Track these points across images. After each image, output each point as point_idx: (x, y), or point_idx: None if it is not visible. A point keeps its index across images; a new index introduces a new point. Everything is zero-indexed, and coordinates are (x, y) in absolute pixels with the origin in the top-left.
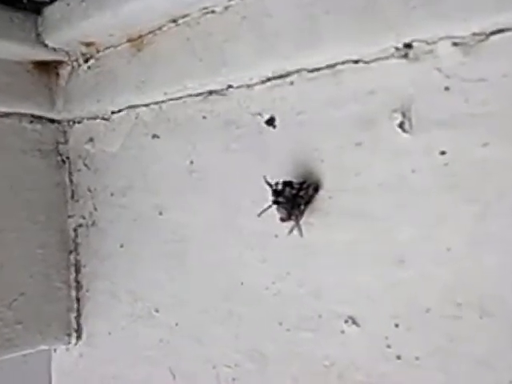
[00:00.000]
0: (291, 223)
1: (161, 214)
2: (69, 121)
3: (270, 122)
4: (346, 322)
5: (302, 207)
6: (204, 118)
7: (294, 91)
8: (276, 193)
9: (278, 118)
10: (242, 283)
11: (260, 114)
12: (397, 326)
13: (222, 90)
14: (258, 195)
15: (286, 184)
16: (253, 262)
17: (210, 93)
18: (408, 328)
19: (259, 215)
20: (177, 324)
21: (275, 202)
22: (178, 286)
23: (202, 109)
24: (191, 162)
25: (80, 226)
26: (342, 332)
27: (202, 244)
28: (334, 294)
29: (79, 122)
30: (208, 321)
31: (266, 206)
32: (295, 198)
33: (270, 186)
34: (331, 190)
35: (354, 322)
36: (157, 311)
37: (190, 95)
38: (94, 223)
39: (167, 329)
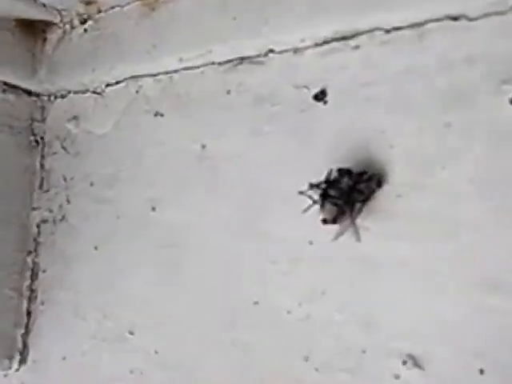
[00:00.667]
0: (336, 227)
1: (154, 210)
2: (50, 95)
3: (320, 96)
4: (404, 362)
5: (359, 205)
6: (228, 92)
7: (358, 57)
8: (328, 183)
9: (330, 91)
10: (255, 303)
11: (307, 87)
12: (482, 372)
13: (259, 56)
14: (291, 192)
15: (343, 172)
16: (274, 277)
17: (241, 60)
18: (498, 375)
19: (305, 211)
20: (156, 352)
21: (324, 196)
22: (164, 302)
23: (226, 81)
24: (203, 147)
25: (45, 221)
26: (397, 377)
27: (205, 251)
28: (389, 324)
29: (63, 97)
30: (200, 351)
31: (310, 201)
32: (352, 191)
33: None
34: (401, 186)
35: (416, 364)
36: (131, 333)
37: (213, 63)
38: (63, 218)
39: (143, 356)
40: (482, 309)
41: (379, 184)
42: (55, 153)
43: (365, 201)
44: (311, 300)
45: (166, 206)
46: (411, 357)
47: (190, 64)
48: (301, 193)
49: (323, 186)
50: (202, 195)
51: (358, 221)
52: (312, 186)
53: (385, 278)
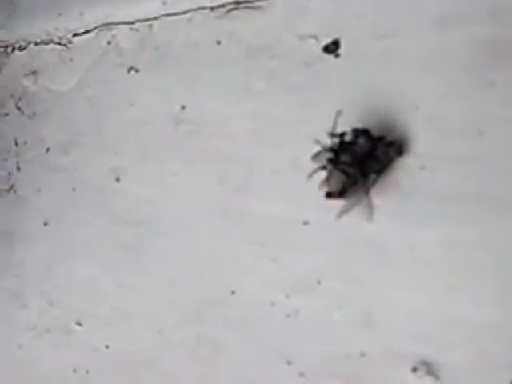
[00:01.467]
0: (342, 202)
1: (118, 181)
2: (7, 46)
3: (332, 47)
4: (414, 369)
5: (374, 176)
6: (218, 43)
7: (379, 2)
8: (341, 146)
9: (344, 42)
10: (232, 292)
11: (315, 37)
12: None
13: None
14: (287, 163)
15: (359, 133)
16: (258, 262)
17: (237, 4)
18: None
19: (310, 177)
20: (107, 346)
21: (333, 162)
22: (121, 290)
23: (217, 29)
24: (182, 108)
25: None
26: None
27: (175, 231)
28: (397, 323)
29: (21, 49)
30: (160, 349)
31: (318, 165)
32: (367, 158)
33: (333, 135)
34: (426, 157)
35: (429, 372)
36: (79, 324)
37: (203, 8)
38: (11, 189)
39: (90, 352)
40: None
41: (400, 152)
42: (7, 114)
43: (381, 171)
44: (302, 292)
45: (132, 176)
46: (423, 363)
47: (174, 9)
48: (318, 142)
49: (331, 150)
50: (176, 163)
51: (371, 196)
52: (333, 136)
53: (395, 269)
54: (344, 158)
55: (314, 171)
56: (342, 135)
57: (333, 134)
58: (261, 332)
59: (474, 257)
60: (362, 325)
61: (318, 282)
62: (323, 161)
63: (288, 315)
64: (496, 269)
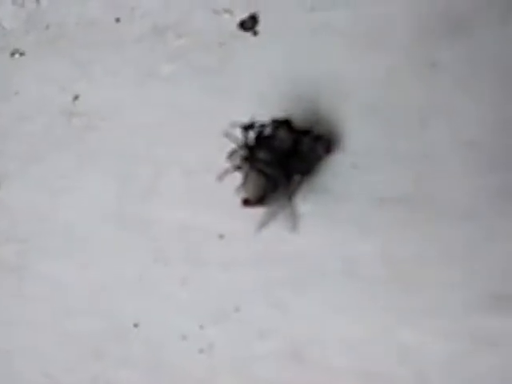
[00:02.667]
0: (262, 210)
1: None
2: None
3: (249, 24)
4: None
5: (298, 178)
6: (117, 20)
7: None
8: (258, 141)
9: (264, 17)
10: (134, 325)
11: (230, 12)
12: None
13: None
14: (197, 161)
15: (279, 124)
16: (165, 285)
17: None
18: None
19: (220, 179)
20: None
21: (249, 160)
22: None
23: (116, 4)
24: (75, 98)
25: None
26: None
27: (68, 247)
28: (332, 357)
29: None
30: None
31: (231, 164)
32: (290, 155)
33: (246, 128)
34: (359, 154)
35: None
36: None
37: None
38: None
39: None
40: (473, 337)
41: (328, 149)
42: None
43: (307, 172)
44: (218, 321)
45: (14, 182)
46: None
47: None
48: (227, 135)
49: (249, 141)
50: (67, 167)
51: (296, 202)
52: (246, 129)
53: (327, 289)
54: (262, 155)
55: (226, 172)
56: (259, 127)
57: (246, 128)
58: (170, 372)
59: (418, 271)
60: (289, 358)
61: (237, 309)
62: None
63: (201, 350)
64: (449, 285)
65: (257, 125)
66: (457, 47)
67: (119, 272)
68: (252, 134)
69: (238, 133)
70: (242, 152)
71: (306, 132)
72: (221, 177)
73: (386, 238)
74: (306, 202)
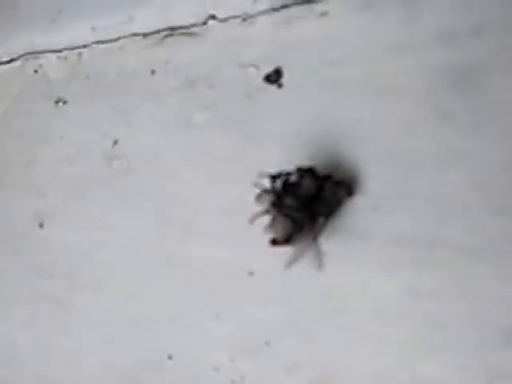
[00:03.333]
0: (289, 249)
1: (41, 226)
2: None
3: (274, 77)
4: None
5: (322, 220)
6: (152, 73)
7: (325, 27)
8: (284, 187)
9: (287, 71)
10: (169, 357)
11: (256, 66)
12: None
13: (195, 25)
14: (229, 205)
15: (304, 173)
16: (198, 320)
17: (172, 31)
18: None
19: (251, 222)
20: None
21: (277, 205)
22: (45, 352)
23: (151, 58)
24: (115, 143)
25: None
26: None
27: (108, 282)
28: None
29: None
30: None
31: (262, 207)
32: (314, 200)
33: (274, 177)
34: (379, 196)
35: None
36: None
37: (135, 34)
38: None
39: None
40: (488, 370)
41: (349, 192)
42: None
43: (330, 214)
44: (249, 353)
45: (58, 221)
46: None
47: (105, 35)
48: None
49: (277, 189)
50: (108, 207)
51: (319, 241)
52: (274, 178)
53: (353, 323)
54: (289, 201)
55: (256, 216)
56: (285, 175)
57: (274, 177)
58: None
59: (436, 307)
60: None
61: (267, 343)
62: (267, 203)
63: (233, 381)
64: (466, 320)
65: (283, 173)
66: (466, 97)
67: (157, 307)
68: (279, 182)
69: (266, 182)
70: (271, 197)
71: (327, 177)
72: (251, 220)
73: (405, 276)
74: (329, 242)
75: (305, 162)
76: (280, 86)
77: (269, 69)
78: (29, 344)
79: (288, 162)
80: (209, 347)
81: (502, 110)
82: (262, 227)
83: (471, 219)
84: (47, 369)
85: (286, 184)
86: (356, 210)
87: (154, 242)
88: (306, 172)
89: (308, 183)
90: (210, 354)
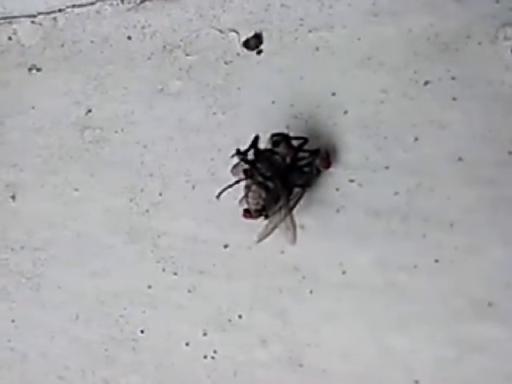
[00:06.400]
0: (263, 222)
1: (13, 199)
2: None
3: (254, 43)
4: None
5: (298, 191)
6: (129, 38)
7: None
8: (256, 155)
9: (267, 36)
10: (141, 331)
11: (235, 31)
12: None
13: None
14: (205, 174)
15: (280, 140)
16: (171, 294)
17: None
18: None
19: (218, 197)
20: None
21: (249, 174)
22: (17, 326)
23: (128, 23)
24: (88, 111)
25: None
26: None
27: (80, 256)
28: (330, 363)
29: None
30: None
31: (232, 181)
32: (290, 169)
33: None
34: (356, 168)
35: None
36: None
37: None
38: None
39: None
40: (461, 343)
41: (327, 163)
42: None
43: (306, 186)
44: (221, 328)
45: (30, 193)
46: None
47: (81, 0)
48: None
49: (249, 157)
50: (80, 179)
51: (294, 214)
52: (239, 154)
53: (326, 298)
54: (262, 169)
55: (228, 186)
56: (255, 141)
57: (245, 151)
58: (174, 377)
59: (411, 280)
60: (288, 364)
61: (240, 316)
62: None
63: (205, 356)
64: (438, 293)
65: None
66: (447, 66)
67: (128, 281)
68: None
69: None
70: (245, 166)
71: (303, 145)
72: (221, 191)
73: (380, 249)
74: (304, 214)
75: (280, 131)
76: (259, 52)
77: (249, 34)
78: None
79: (265, 131)
80: (181, 321)
81: (481, 80)
82: (237, 199)
83: (447, 191)
84: (17, 341)
85: (258, 151)
86: (332, 181)
87: (126, 214)
88: (281, 139)
89: (282, 150)
90: (181, 329)
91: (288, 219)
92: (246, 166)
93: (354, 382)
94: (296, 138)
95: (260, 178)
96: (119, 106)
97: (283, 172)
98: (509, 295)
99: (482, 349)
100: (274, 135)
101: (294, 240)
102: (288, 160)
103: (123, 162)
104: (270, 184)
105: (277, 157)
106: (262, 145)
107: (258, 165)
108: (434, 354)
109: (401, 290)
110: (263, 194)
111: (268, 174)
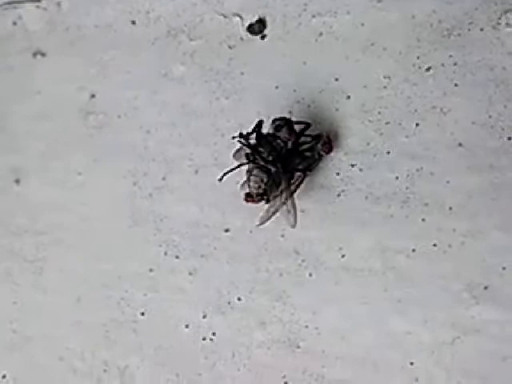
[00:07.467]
0: (264, 206)
1: (17, 183)
2: None
3: (257, 27)
4: None
5: (299, 175)
6: (133, 23)
7: None
8: (258, 139)
9: (271, 21)
10: (141, 313)
11: (239, 15)
12: None
13: None
14: (207, 159)
15: (282, 124)
16: (171, 276)
17: None
18: None
19: (220, 180)
20: (4, 376)
21: (251, 158)
22: (20, 309)
23: (132, 8)
24: (92, 97)
25: None
26: None
27: (83, 240)
28: (329, 346)
29: None
30: (62, 377)
31: (234, 165)
32: (291, 153)
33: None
34: (358, 153)
35: None
36: None
37: None
38: None
39: None
40: (461, 327)
41: (329, 148)
42: None
43: (307, 170)
44: (220, 310)
45: (34, 177)
46: None
47: None
48: (234, 138)
49: (251, 141)
50: (83, 164)
51: (295, 198)
52: (242, 137)
53: (325, 281)
54: (264, 153)
55: (230, 170)
56: (258, 126)
57: (247, 134)
58: (173, 359)
59: (410, 264)
60: (286, 346)
61: (239, 299)
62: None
63: (204, 338)
64: (436, 277)
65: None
66: (450, 52)
67: (130, 264)
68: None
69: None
70: (247, 150)
71: (306, 130)
72: (223, 175)
73: (380, 233)
74: (305, 199)
75: (282, 115)
76: (263, 37)
77: (252, 19)
78: (2, 300)
79: (268, 116)
80: (181, 304)
81: (483, 66)
82: (239, 184)
83: (447, 176)
84: (20, 323)
85: (261, 135)
86: (333, 166)
87: (129, 198)
88: (283, 123)
89: (284, 135)
90: (182, 311)
91: (289, 203)
92: (248, 150)
93: (351, 364)
94: (298, 123)
95: (262, 162)
96: (123, 91)
97: (285, 156)
98: (505, 279)
99: (479, 331)
100: (276, 120)
101: (294, 223)
102: (290, 144)
103: (127, 146)
104: (272, 168)
105: (279, 141)
106: (264, 129)
107: (260, 149)
108: (432, 336)
109: (399, 273)
110: (265, 178)
111: (270, 158)
